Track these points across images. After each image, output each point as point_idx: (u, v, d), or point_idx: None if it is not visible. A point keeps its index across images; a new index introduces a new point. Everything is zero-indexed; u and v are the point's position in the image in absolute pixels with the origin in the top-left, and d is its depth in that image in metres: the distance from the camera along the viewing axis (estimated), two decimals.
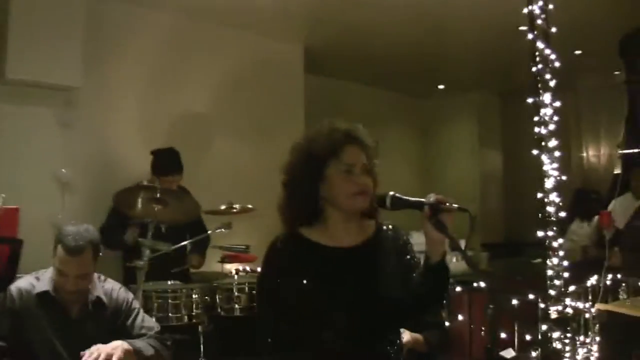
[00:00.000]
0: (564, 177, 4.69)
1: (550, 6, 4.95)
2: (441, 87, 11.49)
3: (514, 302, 5.03)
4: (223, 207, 5.45)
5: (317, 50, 8.65)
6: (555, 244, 4.66)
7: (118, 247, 5.40)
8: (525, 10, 4.94)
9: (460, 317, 5.33)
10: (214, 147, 7.33)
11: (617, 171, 9.51)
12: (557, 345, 4.83)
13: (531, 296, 4.99)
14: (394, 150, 11.50)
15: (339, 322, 2.41)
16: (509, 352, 5.15)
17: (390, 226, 2.65)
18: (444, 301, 2.55)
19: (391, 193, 2.43)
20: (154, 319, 3.97)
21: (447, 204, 2.33)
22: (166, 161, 5.77)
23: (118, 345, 3.24)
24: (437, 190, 2.41)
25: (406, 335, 3.73)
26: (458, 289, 5.50)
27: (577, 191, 8.27)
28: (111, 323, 3.49)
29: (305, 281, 2.46)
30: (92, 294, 3.46)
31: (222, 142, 7.39)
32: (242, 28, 7.61)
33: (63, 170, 5.98)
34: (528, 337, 5.02)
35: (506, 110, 12.25)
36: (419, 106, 12.28)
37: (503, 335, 5.18)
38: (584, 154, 12.13)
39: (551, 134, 4.73)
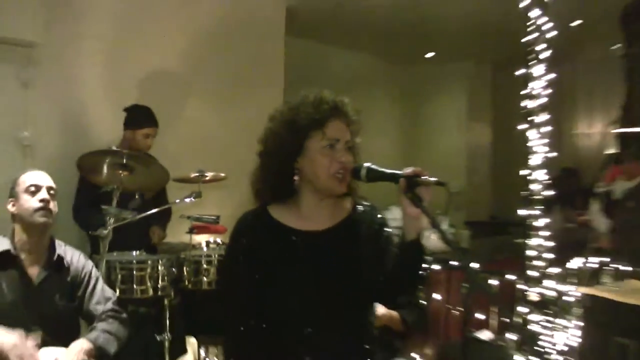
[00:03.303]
0: (552, 154, 4.73)
1: None
2: (429, 54, 11.44)
3: (493, 282, 5.09)
4: (193, 175, 5.37)
5: (299, 11, 8.54)
6: (538, 224, 4.73)
7: (95, 229, 5.33)
8: None
9: (438, 297, 5.40)
10: (186, 110, 7.17)
11: (610, 151, 9.65)
12: (535, 328, 4.93)
13: (510, 277, 5.07)
14: (377, 120, 11.43)
15: (302, 308, 2.45)
16: (485, 334, 5.23)
17: (366, 206, 2.66)
18: (420, 280, 2.57)
19: (367, 164, 2.45)
20: (117, 291, 4.03)
21: (424, 177, 2.34)
22: (141, 114, 5.78)
23: (78, 350, 3.29)
24: (420, 164, 2.42)
25: (381, 309, 3.83)
26: (437, 267, 5.58)
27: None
28: (70, 289, 3.54)
29: (269, 266, 2.49)
30: (53, 252, 3.53)
31: (194, 106, 7.24)
32: None
33: (25, 133, 5.94)
34: (505, 319, 5.09)
35: (498, 81, 12.18)
36: (404, 74, 12.20)
37: (480, 316, 5.26)
38: (576, 132, 12.23)
39: (541, 109, 4.77)
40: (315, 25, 9.37)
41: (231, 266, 2.66)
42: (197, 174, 5.29)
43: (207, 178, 5.36)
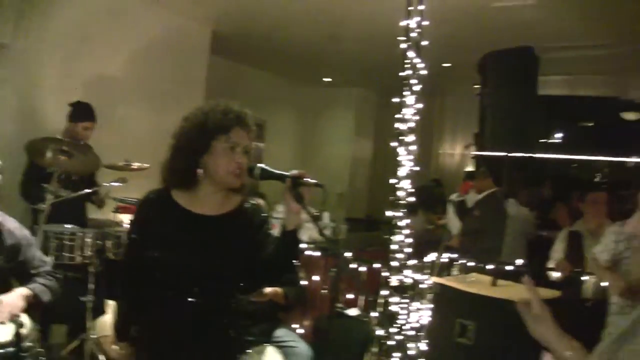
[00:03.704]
0: (415, 168, 4.81)
1: (426, 22, 5.04)
2: (327, 79, 11.60)
3: (362, 269, 5.16)
4: (121, 163, 5.49)
5: (224, 34, 8.54)
6: (401, 223, 4.81)
7: (37, 202, 5.25)
8: (402, 23, 5.04)
9: (316, 278, 5.45)
10: (122, 109, 7.18)
11: (468, 169, 9.91)
12: (395, 308, 5.00)
13: (377, 265, 5.15)
14: (281, 131, 11.58)
15: (189, 281, 2.47)
16: (353, 311, 5.30)
17: (253, 203, 2.71)
18: (295, 264, 2.62)
19: (260, 165, 2.50)
20: (51, 257, 3.97)
21: (306, 179, 2.41)
22: (83, 110, 5.80)
23: (19, 295, 3.27)
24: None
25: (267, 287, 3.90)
26: (317, 253, 5.63)
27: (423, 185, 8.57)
28: (11, 253, 3.47)
29: (165, 239, 2.51)
30: None
31: (129, 106, 7.25)
32: (159, 4, 7.47)
33: None
34: (370, 300, 5.15)
35: (380, 106, 12.37)
36: (307, 94, 12.31)
37: (350, 296, 5.33)
38: (442, 152, 12.52)
39: (410, 131, 4.85)
40: (237, 47, 9.39)
41: (130, 234, 2.69)
42: (124, 163, 5.34)
43: (133, 167, 5.41)
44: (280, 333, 4.37)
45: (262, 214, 2.70)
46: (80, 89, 6.49)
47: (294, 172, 2.44)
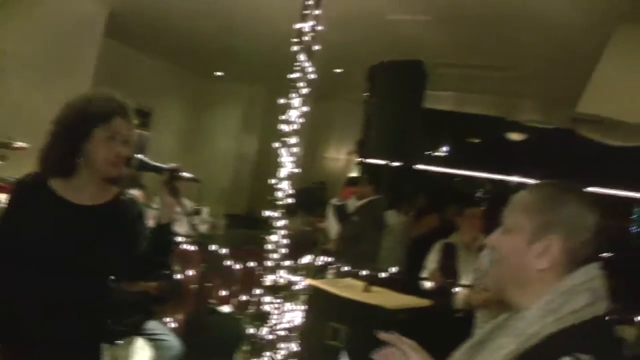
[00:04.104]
0: (296, 170, 4.88)
1: (320, 27, 5.12)
2: (219, 73, 11.54)
3: (237, 266, 5.18)
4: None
5: (121, 18, 8.27)
6: (278, 224, 4.87)
7: None
8: (296, 27, 5.10)
9: (190, 272, 5.42)
10: (12, 84, 6.90)
11: (352, 174, 10.07)
12: (268, 308, 5.06)
13: (252, 264, 5.19)
14: (169, 121, 11.40)
15: (60, 271, 2.42)
16: (226, 308, 5.32)
17: (129, 196, 2.69)
18: (168, 257, 2.63)
19: (138, 156, 2.50)
20: None
21: (183, 173, 2.43)
22: None
23: None
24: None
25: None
26: (192, 247, 5.58)
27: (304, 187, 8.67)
28: None
29: (37, 226, 2.45)
30: None
31: (20, 82, 6.96)
32: None
33: None
34: (244, 298, 5.19)
35: (269, 104, 12.15)
36: (198, 86, 12.15)
37: (224, 293, 5.34)
38: (328, 156, 12.65)
39: (294, 133, 4.91)
40: (132, 33, 9.14)
41: (3, 217, 2.60)
42: (5, 140, 5.17)
43: (15, 146, 5.22)
44: (152, 326, 4.36)
45: (138, 207, 2.69)
46: None
47: (172, 165, 2.46)
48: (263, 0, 6.92)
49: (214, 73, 11.49)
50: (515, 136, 12.58)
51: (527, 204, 1.69)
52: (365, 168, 8.10)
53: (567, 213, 1.61)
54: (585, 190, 1.71)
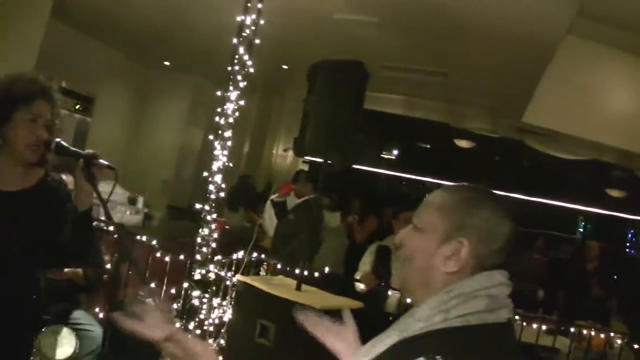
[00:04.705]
0: (228, 164, 4.88)
1: (262, 21, 5.13)
2: (167, 63, 11.47)
3: (167, 259, 5.14)
4: None
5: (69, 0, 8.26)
6: (208, 217, 4.87)
7: None
8: (238, 19, 5.11)
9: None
10: None
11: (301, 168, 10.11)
12: (196, 302, 5.05)
13: (181, 257, 5.16)
14: (112, 108, 11.26)
15: None
16: (152, 300, 5.28)
17: (56, 179, 2.66)
18: (89, 245, 2.61)
19: (57, 140, 2.46)
20: None
21: (100, 160, 2.40)
22: None
23: None
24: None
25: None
26: (125, 237, 5.48)
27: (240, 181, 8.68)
28: None
29: None
30: None
31: None
32: None
33: None
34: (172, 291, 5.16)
35: (216, 97, 12.16)
36: (144, 75, 12.07)
37: (152, 285, 5.30)
38: (275, 152, 12.69)
39: (229, 126, 4.91)
40: (80, 16, 8.98)
41: None
42: None
43: None
44: (78, 315, 4.33)
45: (65, 190, 2.66)
46: None
47: (89, 151, 2.43)
48: None
49: (163, 63, 11.41)
50: (463, 143, 12.77)
51: (443, 204, 1.62)
52: (310, 167, 8.13)
53: (482, 218, 1.57)
54: (504, 196, 1.70)
